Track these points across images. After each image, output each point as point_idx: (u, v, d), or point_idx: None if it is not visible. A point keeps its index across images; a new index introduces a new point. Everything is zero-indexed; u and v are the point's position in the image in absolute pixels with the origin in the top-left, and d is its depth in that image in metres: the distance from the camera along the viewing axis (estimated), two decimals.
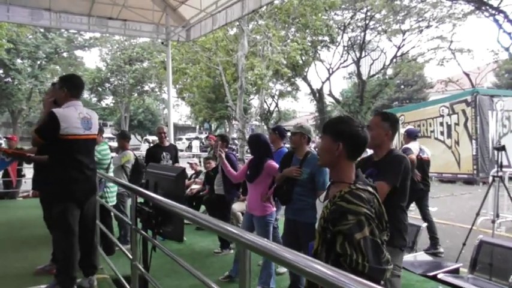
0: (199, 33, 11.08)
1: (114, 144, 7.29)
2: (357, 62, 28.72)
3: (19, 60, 30.17)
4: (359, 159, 4.58)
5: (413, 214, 8.52)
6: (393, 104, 28.14)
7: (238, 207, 5.95)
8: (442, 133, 14.33)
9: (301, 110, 46.19)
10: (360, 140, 1.79)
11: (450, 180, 13.72)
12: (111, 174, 5.27)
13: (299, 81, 30.04)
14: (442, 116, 14.25)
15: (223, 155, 4.49)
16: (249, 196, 4.21)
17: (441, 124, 14.30)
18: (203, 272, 2.02)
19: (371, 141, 2.28)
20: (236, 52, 18.91)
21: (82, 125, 3.25)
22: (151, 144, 20.25)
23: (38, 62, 32.39)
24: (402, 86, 31.19)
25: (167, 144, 6.38)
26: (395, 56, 28.06)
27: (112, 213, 4.91)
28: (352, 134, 1.78)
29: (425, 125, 14.95)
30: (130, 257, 2.87)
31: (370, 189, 1.70)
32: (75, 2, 9.97)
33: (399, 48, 27.23)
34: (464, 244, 5.04)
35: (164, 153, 6.12)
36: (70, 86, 3.32)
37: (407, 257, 4.32)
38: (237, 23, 16.90)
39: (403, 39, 26.41)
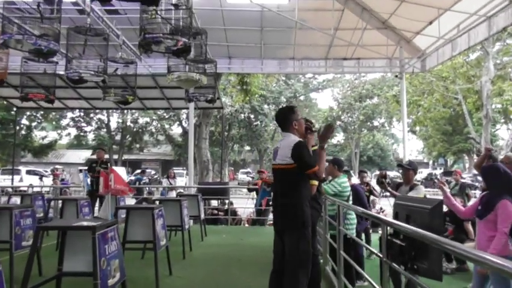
0: (436, 61, 10.55)
1: None
2: None
3: (266, 106, 35.23)
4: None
5: None
6: None
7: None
8: None
9: None
10: None
11: None
12: None
13: None
14: None
15: (446, 189, 4.10)
16: (478, 235, 3.65)
17: None
18: None
19: None
20: (479, 78, 16.94)
21: (273, 155, 3.51)
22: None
23: (280, 106, 37.14)
24: None
25: None
26: None
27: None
28: None
29: None
30: None
31: None
32: (314, 49, 11.13)
33: None
34: None
35: None
36: (277, 120, 3.55)
37: None
38: (480, 46, 15.20)
39: None
